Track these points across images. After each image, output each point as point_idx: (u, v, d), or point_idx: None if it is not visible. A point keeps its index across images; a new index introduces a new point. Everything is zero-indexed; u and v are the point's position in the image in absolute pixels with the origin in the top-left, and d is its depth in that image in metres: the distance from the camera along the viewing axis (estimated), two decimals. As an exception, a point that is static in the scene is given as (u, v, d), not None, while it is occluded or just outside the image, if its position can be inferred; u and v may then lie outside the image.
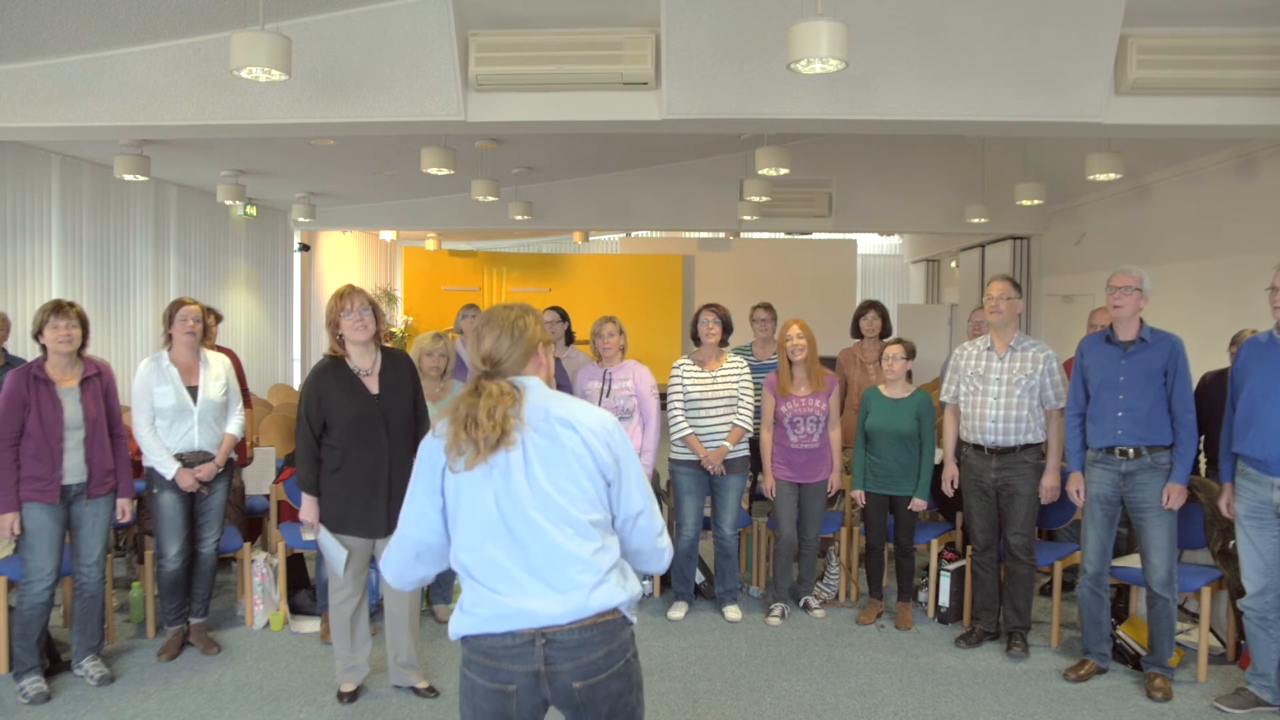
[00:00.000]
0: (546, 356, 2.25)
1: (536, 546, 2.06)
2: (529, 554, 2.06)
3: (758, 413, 5.17)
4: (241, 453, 5.42)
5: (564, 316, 5.91)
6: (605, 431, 2.13)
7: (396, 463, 3.77)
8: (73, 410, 3.99)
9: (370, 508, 3.79)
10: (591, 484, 2.10)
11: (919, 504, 4.84)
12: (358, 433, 3.76)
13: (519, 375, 2.18)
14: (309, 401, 3.80)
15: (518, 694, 2.06)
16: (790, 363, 4.95)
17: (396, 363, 3.92)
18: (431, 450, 2.17)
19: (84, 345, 4.10)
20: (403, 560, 2.20)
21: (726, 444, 4.89)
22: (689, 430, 4.93)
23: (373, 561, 3.98)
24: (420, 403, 3.97)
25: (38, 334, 4.00)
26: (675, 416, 4.97)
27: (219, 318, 5.76)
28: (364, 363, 3.84)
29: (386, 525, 3.79)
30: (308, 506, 3.85)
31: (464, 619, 2.10)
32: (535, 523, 2.06)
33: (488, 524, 2.08)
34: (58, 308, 4.00)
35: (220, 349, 5.31)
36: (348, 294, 3.80)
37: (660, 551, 2.23)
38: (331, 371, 3.82)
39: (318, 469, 3.81)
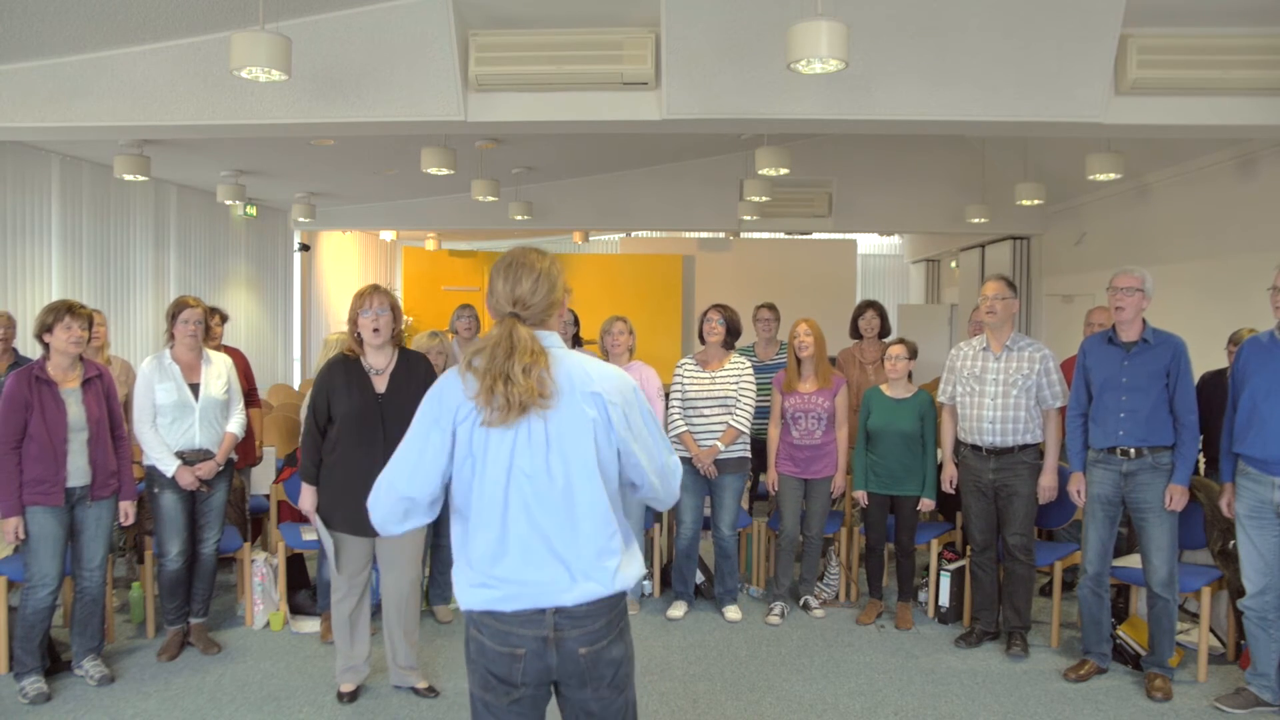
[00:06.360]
0: (564, 309, 2.26)
1: (557, 529, 2.06)
2: (547, 536, 2.06)
3: (760, 413, 5.17)
4: (250, 453, 5.43)
5: (574, 320, 5.90)
6: (624, 399, 2.13)
7: None
8: (76, 412, 3.98)
9: (360, 507, 3.78)
10: (611, 461, 2.12)
11: (928, 504, 4.85)
12: (355, 429, 3.77)
13: (543, 327, 2.16)
14: (317, 394, 3.84)
15: (526, 657, 2.08)
16: (798, 360, 4.98)
17: (412, 365, 3.89)
18: (447, 393, 2.10)
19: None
20: (391, 513, 2.12)
21: (719, 444, 4.90)
22: (684, 428, 4.94)
23: (374, 562, 3.97)
24: None
25: (44, 333, 3.96)
26: (672, 415, 4.99)
27: (224, 318, 5.75)
28: (378, 362, 3.85)
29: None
30: (306, 495, 3.86)
31: (476, 592, 2.09)
32: (557, 504, 2.06)
33: (506, 498, 2.06)
34: (71, 309, 3.97)
35: (228, 349, 5.33)
36: (369, 293, 3.83)
37: (671, 496, 2.24)
38: (342, 366, 3.84)
39: (319, 460, 3.83)
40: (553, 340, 2.16)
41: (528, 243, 15.91)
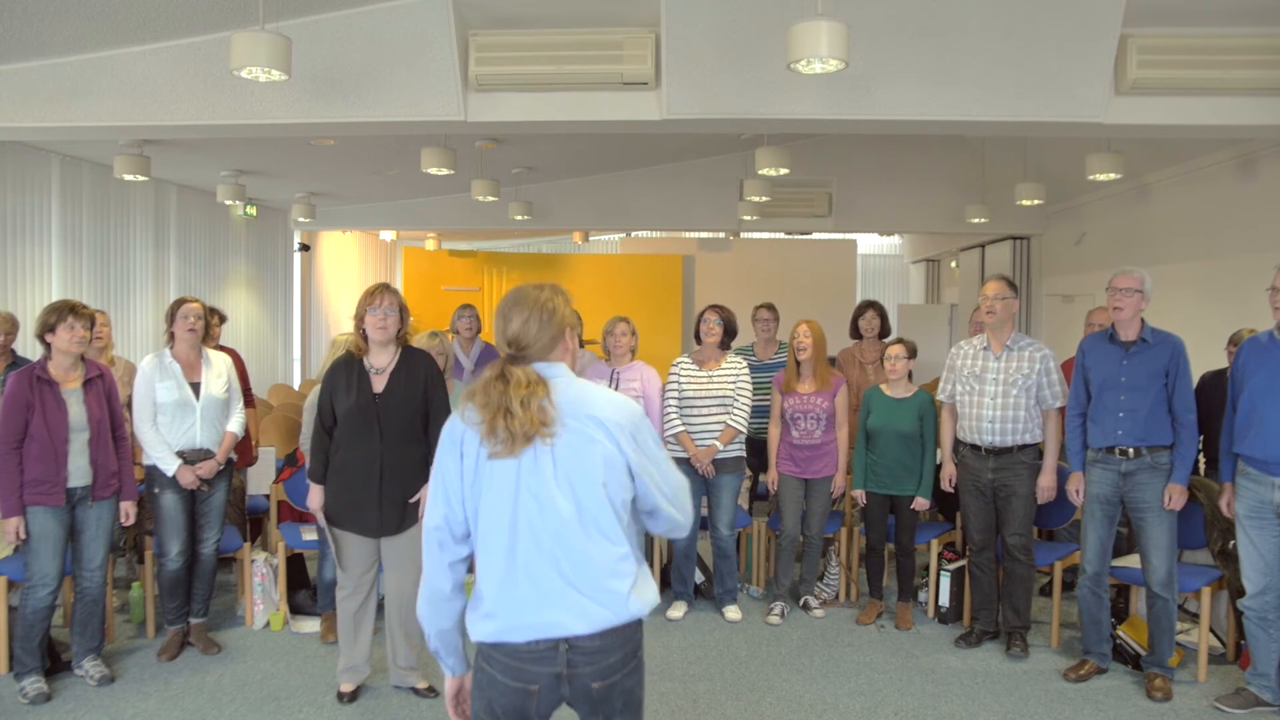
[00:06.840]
0: (573, 340, 2.20)
1: (565, 553, 2.03)
2: (557, 560, 2.03)
3: (760, 413, 5.16)
4: (247, 453, 5.43)
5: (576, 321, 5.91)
6: (632, 424, 2.09)
7: (389, 464, 3.78)
8: (77, 412, 3.97)
9: (361, 505, 3.80)
10: (621, 485, 2.07)
11: (922, 503, 4.85)
12: (352, 428, 3.79)
13: (546, 360, 2.12)
14: (323, 394, 3.88)
15: (539, 693, 2.05)
16: (797, 361, 4.98)
17: (413, 363, 3.89)
18: (454, 425, 2.11)
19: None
20: (435, 570, 2.13)
21: (716, 444, 4.90)
22: (681, 428, 4.94)
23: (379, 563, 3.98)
24: (436, 405, 3.88)
25: (46, 333, 3.95)
26: (669, 414, 4.99)
27: (222, 318, 5.81)
28: (379, 361, 3.86)
29: (379, 525, 3.80)
30: (314, 495, 3.89)
31: (485, 623, 2.06)
32: (565, 528, 2.02)
33: (513, 524, 2.03)
34: (74, 309, 3.97)
35: (223, 349, 5.32)
36: (379, 292, 3.84)
37: (684, 524, 2.19)
38: (344, 366, 3.87)
39: (326, 461, 3.85)
40: (557, 370, 2.12)
41: (527, 243, 15.84)
